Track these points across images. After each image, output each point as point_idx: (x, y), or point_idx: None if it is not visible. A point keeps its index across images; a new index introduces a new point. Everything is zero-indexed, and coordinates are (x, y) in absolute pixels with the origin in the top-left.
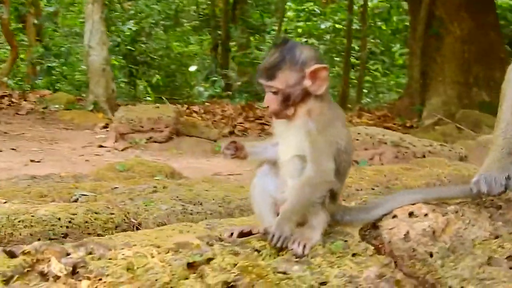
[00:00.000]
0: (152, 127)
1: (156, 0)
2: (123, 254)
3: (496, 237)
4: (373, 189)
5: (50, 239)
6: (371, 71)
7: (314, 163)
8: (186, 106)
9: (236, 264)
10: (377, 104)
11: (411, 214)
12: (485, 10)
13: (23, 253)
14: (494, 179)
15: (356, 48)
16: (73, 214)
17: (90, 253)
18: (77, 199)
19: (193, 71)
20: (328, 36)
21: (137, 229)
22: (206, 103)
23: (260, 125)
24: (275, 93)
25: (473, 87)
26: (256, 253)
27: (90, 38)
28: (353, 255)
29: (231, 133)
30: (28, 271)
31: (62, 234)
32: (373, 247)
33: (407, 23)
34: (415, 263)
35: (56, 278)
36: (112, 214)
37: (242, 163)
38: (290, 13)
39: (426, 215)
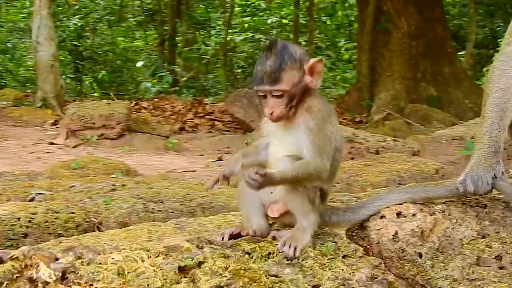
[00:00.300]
0: (104, 124)
1: None
2: (112, 259)
3: (483, 236)
4: (334, 186)
5: (10, 239)
6: None
7: (313, 158)
8: (134, 102)
9: (227, 268)
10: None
11: (399, 214)
12: (432, 5)
13: (11, 258)
14: (480, 178)
15: (303, 43)
16: (33, 214)
17: (79, 258)
18: (34, 197)
19: (140, 67)
20: (274, 31)
21: (98, 228)
22: (155, 99)
23: (210, 121)
24: (279, 96)
25: (421, 82)
26: (247, 255)
27: (38, 34)
28: (344, 256)
29: (181, 129)
30: (17, 277)
31: (22, 234)
32: (362, 249)
33: (352, 18)
34: (404, 264)
35: (45, 284)
36: (73, 213)
37: (196, 160)
38: (235, 8)
39: (414, 215)
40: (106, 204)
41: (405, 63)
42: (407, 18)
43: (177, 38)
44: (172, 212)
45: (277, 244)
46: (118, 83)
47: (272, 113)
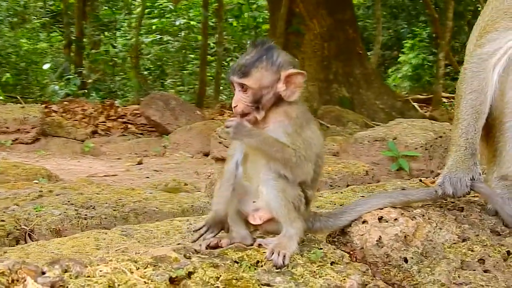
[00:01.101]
0: (18, 128)
1: None
2: (100, 271)
3: (464, 240)
4: None
5: None
6: (225, 68)
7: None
8: (43, 105)
9: (219, 278)
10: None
11: (381, 219)
12: (342, 7)
13: None
14: (459, 180)
15: (211, 45)
16: None
17: (66, 271)
18: None
19: (46, 69)
20: (182, 33)
21: (30, 236)
22: (65, 102)
23: (123, 124)
24: (245, 92)
25: (333, 83)
26: (236, 264)
27: None
28: (332, 263)
29: (94, 132)
30: None
31: None
32: (348, 255)
33: (260, 20)
34: (390, 270)
35: None
36: (2, 221)
37: (115, 164)
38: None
39: (396, 219)
40: (37, 211)
41: (318, 65)
42: (319, 19)
43: (84, 40)
44: (105, 218)
45: (264, 252)
46: (22, 86)
47: (235, 107)
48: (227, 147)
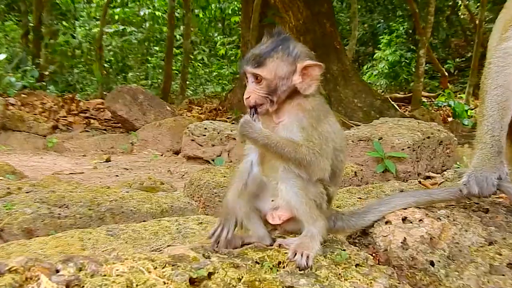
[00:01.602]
0: None
1: None
2: (117, 270)
3: (491, 243)
4: None
5: None
6: (192, 61)
7: (307, 148)
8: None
9: (241, 279)
10: (199, 97)
11: (405, 220)
12: None
13: (10, 270)
14: (485, 179)
15: (178, 37)
16: None
17: (81, 269)
18: None
19: (1, 60)
20: (147, 24)
21: None
22: (23, 95)
23: (86, 119)
24: (259, 83)
25: None
26: (257, 265)
27: None
28: (356, 265)
29: (55, 127)
30: None
31: None
32: (372, 257)
33: (229, 11)
34: (416, 273)
35: None
36: None
37: (80, 161)
38: None
39: (420, 220)
40: (8, 209)
41: None
42: (295, 12)
43: (42, 29)
44: (80, 218)
45: (285, 253)
46: None
47: (248, 98)
48: (200, 145)
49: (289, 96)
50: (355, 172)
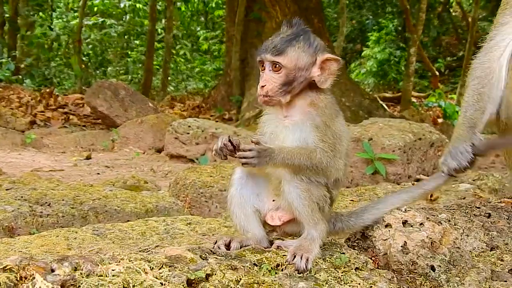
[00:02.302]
0: None
1: None
2: (113, 270)
3: (492, 248)
4: None
5: None
6: (174, 56)
7: (321, 151)
8: None
9: (239, 281)
10: (181, 93)
11: (405, 223)
12: None
13: (4, 269)
14: (459, 151)
15: (159, 30)
16: None
17: (76, 269)
18: None
19: None
20: (127, 16)
21: None
22: None
23: (64, 114)
24: (278, 71)
25: None
26: (255, 267)
27: None
28: (356, 269)
29: (33, 123)
30: None
31: None
32: (371, 260)
33: (213, 5)
34: (416, 278)
35: None
36: None
37: (60, 158)
38: None
39: (421, 224)
40: None
41: None
42: (282, 6)
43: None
44: (63, 217)
45: (284, 255)
46: None
47: (263, 86)
48: (184, 143)
49: (303, 90)
50: None
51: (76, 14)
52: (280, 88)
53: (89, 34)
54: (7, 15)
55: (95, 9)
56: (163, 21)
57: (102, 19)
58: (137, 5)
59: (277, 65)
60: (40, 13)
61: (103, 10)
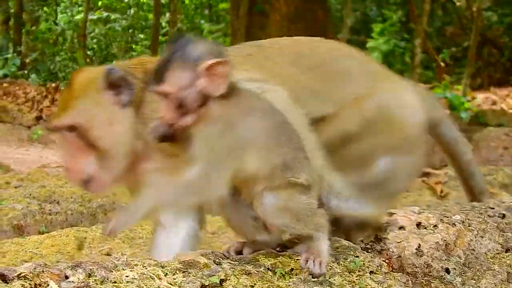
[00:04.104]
0: None
1: None
2: (127, 276)
3: (508, 250)
4: None
5: None
6: None
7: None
8: None
9: (253, 286)
10: None
11: (419, 225)
12: None
13: (19, 276)
14: None
15: (163, 24)
16: None
17: (90, 275)
18: None
19: None
20: (132, 11)
21: None
22: (4, 84)
23: None
24: (166, 99)
25: None
26: (270, 272)
27: None
28: (371, 272)
29: (38, 118)
30: None
31: None
32: (386, 264)
33: None
34: (430, 281)
35: None
36: None
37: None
38: None
39: (435, 226)
40: None
41: None
42: None
43: (23, 16)
44: (72, 214)
45: (297, 259)
46: None
47: (162, 117)
48: None
49: (204, 102)
50: None
51: (80, 8)
52: (177, 113)
53: (94, 29)
54: (12, 10)
55: (100, 3)
56: (167, 14)
57: (107, 14)
58: None
59: (161, 93)
60: (45, 8)
61: (108, 5)
